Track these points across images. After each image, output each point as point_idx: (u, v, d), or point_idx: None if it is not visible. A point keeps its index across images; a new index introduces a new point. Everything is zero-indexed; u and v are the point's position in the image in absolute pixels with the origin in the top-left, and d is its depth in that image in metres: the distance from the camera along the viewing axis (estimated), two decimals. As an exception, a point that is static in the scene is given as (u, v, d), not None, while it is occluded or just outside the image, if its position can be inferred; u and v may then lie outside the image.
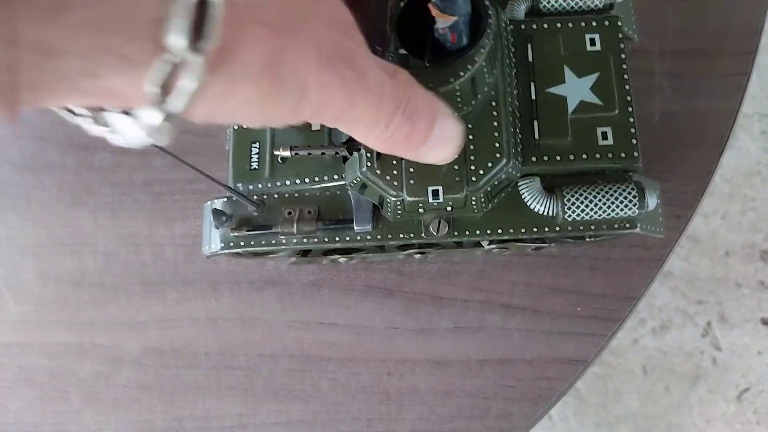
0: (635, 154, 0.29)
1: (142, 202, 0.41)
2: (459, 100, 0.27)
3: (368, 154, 0.28)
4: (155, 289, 0.40)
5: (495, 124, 0.28)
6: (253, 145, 0.33)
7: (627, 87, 0.30)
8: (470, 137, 0.28)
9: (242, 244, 0.31)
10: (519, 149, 0.29)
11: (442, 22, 0.26)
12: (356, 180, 0.29)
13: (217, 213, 0.31)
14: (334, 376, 0.38)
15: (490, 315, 0.37)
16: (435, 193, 0.28)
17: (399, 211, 0.29)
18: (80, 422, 0.39)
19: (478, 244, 0.34)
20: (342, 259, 0.36)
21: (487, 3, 0.27)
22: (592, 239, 0.35)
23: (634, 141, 0.29)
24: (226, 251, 0.31)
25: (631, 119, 0.30)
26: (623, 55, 0.31)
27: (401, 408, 0.37)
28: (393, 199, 0.28)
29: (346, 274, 0.39)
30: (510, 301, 0.37)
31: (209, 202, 0.33)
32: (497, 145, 0.28)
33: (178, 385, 0.38)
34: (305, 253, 0.35)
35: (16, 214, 0.42)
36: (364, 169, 0.28)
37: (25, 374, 0.39)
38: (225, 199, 0.32)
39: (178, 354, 0.39)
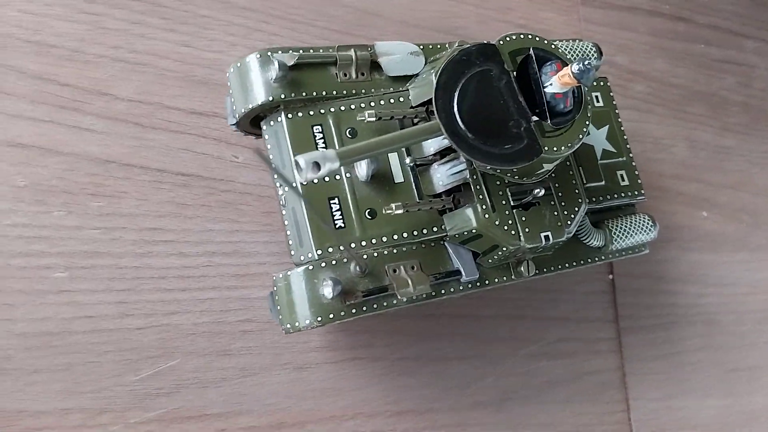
0: (642, 191, 0.37)
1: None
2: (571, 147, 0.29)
3: (483, 206, 0.29)
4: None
5: (570, 173, 0.32)
6: (332, 201, 0.30)
7: (625, 136, 0.37)
8: (556, 185, 0.31)
9: (354, 311, 0.28)
10: None
11: (561, 87, 0.28)
12: (468, 231, 0.30)
13: (334, 281, 0.27)
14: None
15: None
16: (546, 238, 0.30)
17: (504, 258, 0.31)
18: None
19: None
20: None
21: None
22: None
23: (639, 181, 0.37)
24: (337, 321, 0.28)
25: (634, 163, 0.37)
26: (617, 110, 0.38)
27: None
28: (511, 247, 0.30)
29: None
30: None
31: (293, 271, 0.28)
32: (576, 191, 0.32)
33: None
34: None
35: None
36: (483, 219, 0.29)
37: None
38: (309, 268, 0.28)
39: None
